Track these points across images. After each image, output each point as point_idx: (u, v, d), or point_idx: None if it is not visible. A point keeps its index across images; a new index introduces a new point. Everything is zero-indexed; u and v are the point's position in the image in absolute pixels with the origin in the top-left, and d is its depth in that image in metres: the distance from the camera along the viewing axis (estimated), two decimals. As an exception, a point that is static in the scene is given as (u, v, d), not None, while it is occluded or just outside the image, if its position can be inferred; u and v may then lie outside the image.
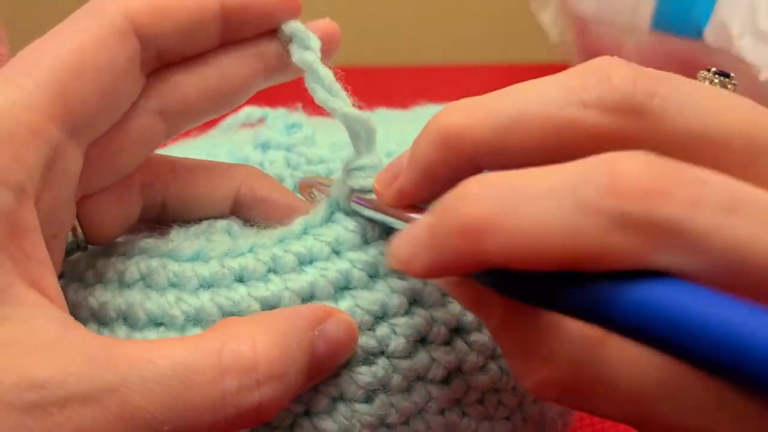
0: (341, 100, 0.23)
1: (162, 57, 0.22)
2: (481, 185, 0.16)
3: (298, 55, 0.24)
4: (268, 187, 0.26)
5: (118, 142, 0.22)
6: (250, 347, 0.18)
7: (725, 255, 0.15)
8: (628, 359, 0.16)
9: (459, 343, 0.23)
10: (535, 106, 0.18)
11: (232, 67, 0.24)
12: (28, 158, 0.18)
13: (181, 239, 0.24)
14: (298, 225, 0.23)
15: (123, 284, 0.23)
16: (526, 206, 0.16)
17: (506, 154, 0.19)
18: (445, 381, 0.23)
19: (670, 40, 0.58)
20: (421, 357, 0.22)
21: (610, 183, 0.15)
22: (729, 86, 0.21)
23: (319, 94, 0.23)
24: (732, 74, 0.21)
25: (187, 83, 0.23)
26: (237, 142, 0.32)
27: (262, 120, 0.33)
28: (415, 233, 0.18)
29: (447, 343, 0.23)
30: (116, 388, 0.17)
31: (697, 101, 0.18)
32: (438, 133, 0.19)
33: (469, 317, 0.23)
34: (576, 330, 0.17)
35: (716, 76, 0.21)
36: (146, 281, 0.23)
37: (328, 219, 0.23)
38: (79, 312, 0.23)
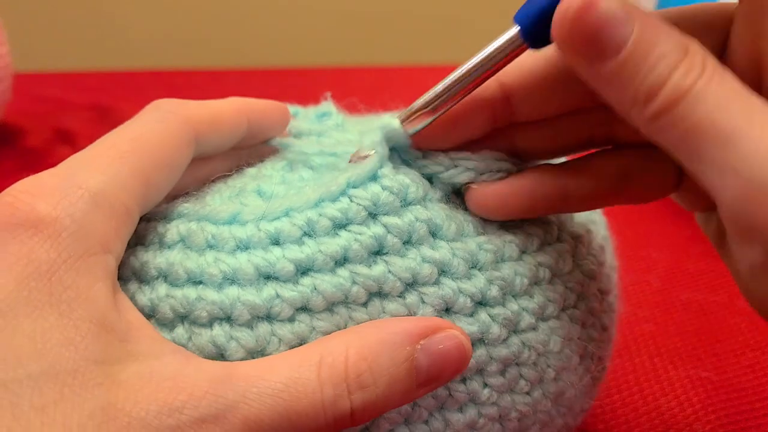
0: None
1: (198, 155, 0.26)
2: None
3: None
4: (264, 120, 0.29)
5: None
6: (342, 360, 0.21)
7: None
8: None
9: (482, 316, 0.24)
10: None
11: (219, 163, 0.28)
12: (122, 232, 0.22)
13: (216, 203, 0.26)
14: (337, 185, 0.24)
15: (163, 245, 0.24)
16: None
17: None
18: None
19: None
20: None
21: None
22: None
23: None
24: None
25: (192, 173, 0.27)
26: None
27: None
28: None
29: (471, 314, 0.24)
30: (238, 404, 0.20)
31: None
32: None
33: (494, 291, 0.24)
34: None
35: None
36: (185, 243, 0.24)
37: (372, 177, 0.24)
38: (121, 271, 0.24)
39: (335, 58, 0.94)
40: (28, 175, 0.22)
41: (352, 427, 0.22)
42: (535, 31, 0.21)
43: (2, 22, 0.59)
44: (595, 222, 0.28)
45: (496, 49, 0.22)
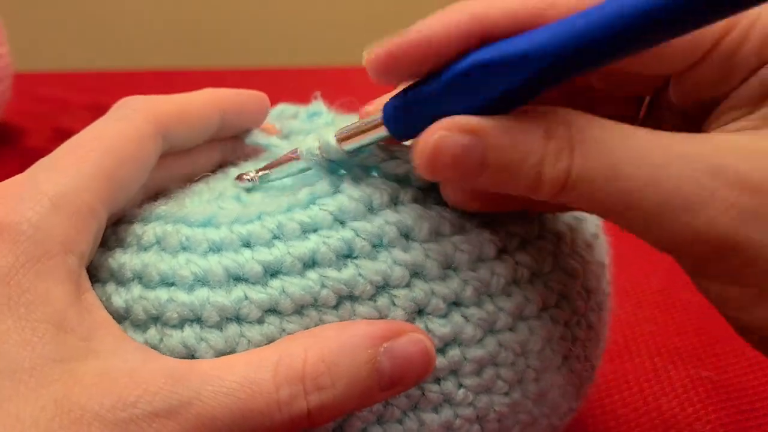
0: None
1: (168, 149, 0.26)
2: None
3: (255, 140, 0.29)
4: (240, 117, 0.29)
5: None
6: (300, 361, 0.21)
7: None
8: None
9: (456, 316, 0.23)
10: None
11: (202, 158, 0.28)
12: (87, 232, 0.23)
13: (194, 205, 0.26)
14: (304, 195, 0.24)
15: (140, 247, 0.25)
16: None
17: None
18: (441, 351, 0.23)
19: (671, 40, 0.58)
20: (419, 327, 0.23)
21: None
22: None
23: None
24: None
25: (171, 167, 0.27)
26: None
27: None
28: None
29: (444, 315, 0.23)
30: (192, 401, 0.20)
31: None
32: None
33: (468, 291, 0.24)
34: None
35: None
36: (161, 244, 0.24)
37: (335, 191, 0.24)
38: (100, 273, 0.25)
39: (335, 58, 0.94)
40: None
41: (312, 427, 0.22)
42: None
43: (2, 22, 0.59)
44: (582, 219, 0.28)
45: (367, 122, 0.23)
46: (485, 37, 0.20)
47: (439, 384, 0.24)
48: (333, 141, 0.24)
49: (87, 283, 0.23)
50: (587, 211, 0.21)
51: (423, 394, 0.24)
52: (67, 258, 0.22)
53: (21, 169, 0.24)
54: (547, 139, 0.20)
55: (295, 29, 1.09)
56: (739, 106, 0.21)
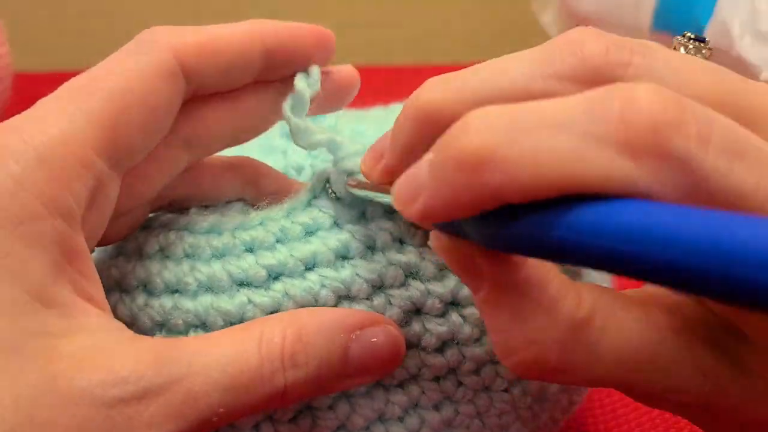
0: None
1: (198, 91, 0.23)
2: (483, 117, 0.16)
3: (299, 84, 0.25)
4: (271, 182, 0.27)
5: (147, 171, 0.23)
6: (280, 338, 0.21)
7: (726, 198, 0.15)
8: (614, 330, 0.17)
9: (454, 316, 0.24)
10: (508, 81, 0.18)
11: (255, 106, 0.25)
12: (76, 188, 0.20)
13: (198, 213, 0.26)
14: (304, 195, 0.24)
15: (144, 256, 0.25)
16: (531, 135, 0.15)
17: None
18: (439, 350, 0.24)
19: (671, 39, 0.58)
20: (414, 327, 0.23)
21: (621, 111, 0.15)
22: (704, 51, 0.21)
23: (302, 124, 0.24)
24: (707, 39, 0.21)
25: (215, 119, 0.24)
26: (268, 133, 0.33)
27: None
28: (415, 171, 0.17)
29: (442, 315, 0.24)
30: (182, 378, 0.20)
31: (670, 69, 0.18)
32: (416, 109, 0.20)
33: (466, 291, 0.24)
34: (564, 310, 0.17)
35: (691, 41, 0.21)
36: (164, 252, 0.24)
37: (335, 199, 0.24)
38: (107, 281, 0.24)
39: (335, 58, 0.94)
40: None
41: (282, 406, 0.22)
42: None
43: (2, 22, 0.59)
44: None
45: None
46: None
47: (438, 382, 0.24)
48: (344, 184, 0.24)
49: (79, 249, 0.21)
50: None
51: (423, 392, 0.24)
52: (54, 221, 0.20)
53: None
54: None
55: (295, 29, 1.09)
56: None
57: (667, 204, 0.14)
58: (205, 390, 0.20)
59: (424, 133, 0.19)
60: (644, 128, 0.15)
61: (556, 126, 0.15)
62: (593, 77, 0.18)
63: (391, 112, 0.37)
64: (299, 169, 0.31)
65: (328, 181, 0.24)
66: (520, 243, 0.16)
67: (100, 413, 0.19)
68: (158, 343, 0.21)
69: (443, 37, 0.98)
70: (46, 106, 0.21)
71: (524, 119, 0.15)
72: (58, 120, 0.20)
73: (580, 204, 0.15)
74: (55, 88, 0.22)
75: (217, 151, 0.26)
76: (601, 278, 0.28)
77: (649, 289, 0.20)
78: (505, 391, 0.25)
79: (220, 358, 0.20)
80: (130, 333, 0.21)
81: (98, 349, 0.20)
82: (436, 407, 0.24)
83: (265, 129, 0.26)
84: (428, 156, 0.17)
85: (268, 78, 0.25)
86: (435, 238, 0.19)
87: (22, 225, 0.19)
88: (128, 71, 0.21)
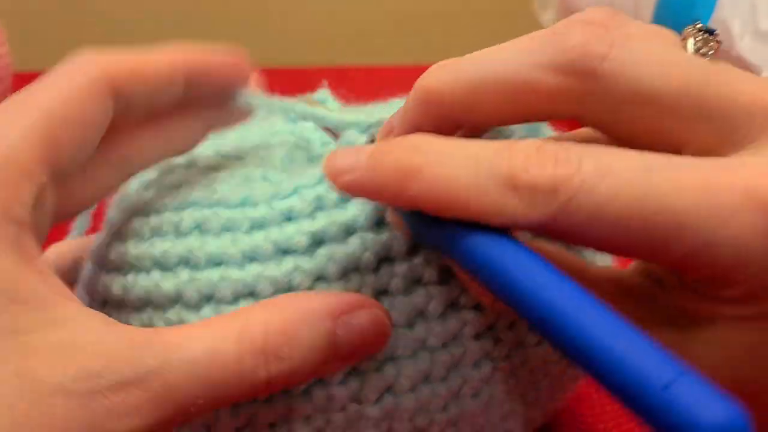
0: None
1: (126, 112, 0.25)
2: (423, 142, 0.20)
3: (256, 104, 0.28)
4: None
5: (77, 186, 0.25)
6: (262, 332, 0.21)
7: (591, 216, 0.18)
8: None
9: (453, 282, 0.25)
10: (498, 69, 0.20)
11: (179, 129, 0.27)
12: (23, 197, 0.21)
13: (226, 190, 0.26)
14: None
15: (179, 233, 0.25)
16: (449, 164, 0.19)
17: (478, 112, 0.21)
18: (477, 307, 0.25)
19: (671, 40, 0.58)
20: (454, 285, 0.24)
21: (509, 161, 0.18)
22: (712, 43, 0.21)
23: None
24: (717, 31, 0.21)
25: (143, 137, 0.26)
26: (268, 120, 0.34)
27: None
28: (357, 153, 0.20)
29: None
30: (158, 369, 0.20)
31: (648, 63, 0.19)
32: (419, 91, 0.22)
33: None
34: None
35: (700, 32, 0.21)
36: (201, 229, 0.25)
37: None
38: (142, 262, 0.25)
39: (335, 58, 0.94)
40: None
41: (267, 395, 0.22)
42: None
43: (2, 22, 0.59)
44: None
45: None
46: None
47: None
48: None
49: (35, 250, 0.22)
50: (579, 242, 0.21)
51: (465, 351, 0.25)
52: (6, 226, 0.21)
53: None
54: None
55: (294, 29, 1.09)
56: None
57: (522, 249, 0.19)
58: (182, 382, 0.20)
59: (428, 112, 0.22)
60: (522, 172, 0.18)
61: (468, 160, 0.19)
62: (572, 68, 0.19)
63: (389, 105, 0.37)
64: (307, 142, 0.31)
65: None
66: (427, 240, 0.22)
67: (77, 405, 0.19)
68: (134, 334, 0.21)
69: (442, 37, 0.98)
70: None
71: (451, 150, 0.19)
72: (5, 134, 0.22)
73: (470, 229, 0.19)
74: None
75: (144, 169, 0.27)
76: (603, 258, 0.28)
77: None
78: (507, 357, 0.26)
79: (197, 351, 0.21)
80: (104, 322, 0.21)
81: (72, 343, 0.20)
82: (477, 365, 0.25)
83: (188, 150, 0.28)
84: (372, 148, 0.20)
85: (188, 101, 0.26)
86: (390, 213, 0.23)
87: None
88: (64, 89, 0.23)
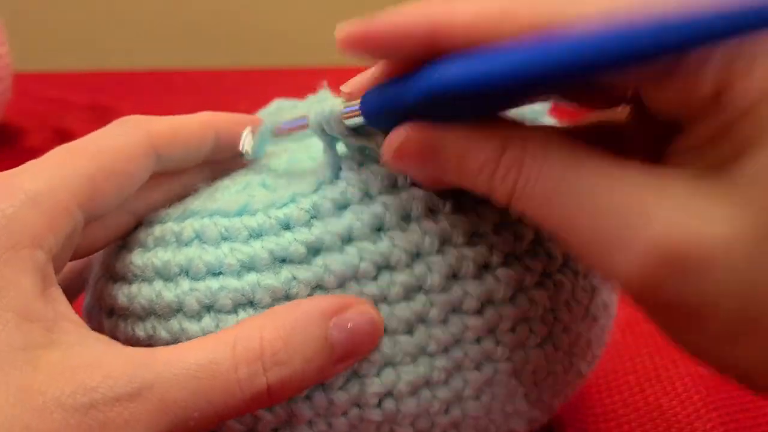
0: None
1: (160, 170, 0.27)
2: None
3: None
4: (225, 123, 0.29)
5: (95, 230, 0.27)
6: (257, 340, 0.22)
7: None
8: None
9: (488, 278, 0.24)
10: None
11: (192, 177, 0.29)
12: (58, 230, 0.23)
13: (225, 198, 0.27)
14: (324, 174, 0.25)
15: (181, 243, 0.26)
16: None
17: None
18: (479, 312, 0.24)
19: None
20: (456, 291, 0.24)
21: None
22: None
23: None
24: None
25: (158, 190, 0.28)
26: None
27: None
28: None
29: (477, 277, 0.24)
30: (154, 384, 0.21)
31: None
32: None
33: (495, 257, 0.25)
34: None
35: None
36: (201, 238, 0.25)
37: (335, 177, 0.25)
38: (146, 272, 0.26)
39: (335, 58, 0.94)
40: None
41: (273, 404, 0.23)
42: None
43: (2, 22, 0.59)
44: None
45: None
46: (439, 47, 0.19)
47: (479, 343, 0.25)
48: (338, 113, 0.24)
49: (53, 278, 0.23)
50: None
51: (466, 353, 0.25)
52: (35, 252, 0.22)
53: (21, 169, 0.24)
54: (500, 151, 0.20)
55: (294, 29, 1.09)
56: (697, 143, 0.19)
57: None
58: (178, 394, 0.21)
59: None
60: None
61: None
62: None
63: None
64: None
65: (323, 131, 0.25)
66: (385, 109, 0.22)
67: (74, 418, 0.20)
68: (132, 352, 0.22)
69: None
70: (45, 160, 0.25)
71: None
72: (49, 172, 0.24)
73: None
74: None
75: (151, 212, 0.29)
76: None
77: None
78: (539, 346, 0.26)
79: (191, 364, 0.21)
80: (105, 344, 0.23)
81: (73, 361, 0.21)
82: (478, 367, 0.25)
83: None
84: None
85: (209, 159, 0.29)
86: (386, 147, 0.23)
87: (9, 252, 0.22)
88: (113, 142, 0.25)
